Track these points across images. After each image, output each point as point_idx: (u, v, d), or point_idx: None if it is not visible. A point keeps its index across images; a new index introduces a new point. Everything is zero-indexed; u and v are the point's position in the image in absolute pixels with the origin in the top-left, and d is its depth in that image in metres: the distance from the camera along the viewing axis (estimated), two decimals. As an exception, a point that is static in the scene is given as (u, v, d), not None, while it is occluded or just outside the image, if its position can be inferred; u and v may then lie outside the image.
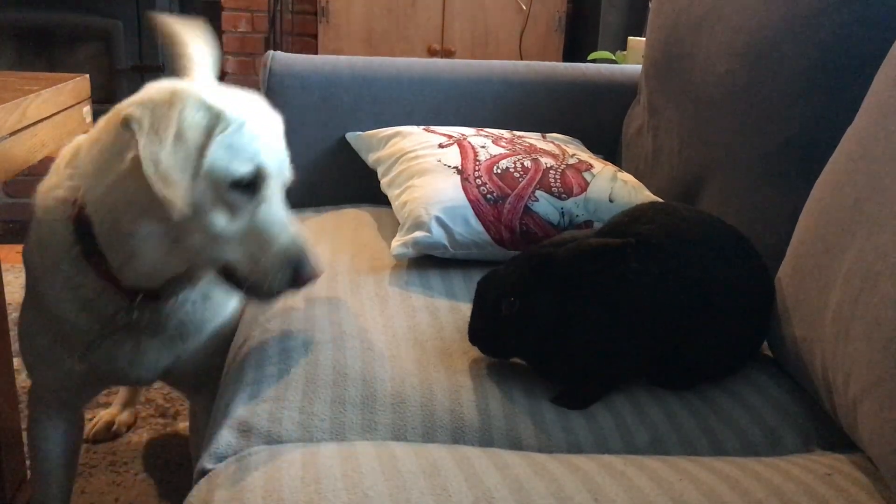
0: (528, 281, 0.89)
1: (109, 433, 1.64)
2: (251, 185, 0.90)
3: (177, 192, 0.84)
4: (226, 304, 1.11)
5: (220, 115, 0.88)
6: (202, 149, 0.87)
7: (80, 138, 1.06)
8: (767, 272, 0.97)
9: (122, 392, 1.71)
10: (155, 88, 0.90)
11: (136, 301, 1.00)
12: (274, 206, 0.92)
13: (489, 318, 0.90)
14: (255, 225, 0.90)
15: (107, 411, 1.68)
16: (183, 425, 1.69)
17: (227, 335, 1.10)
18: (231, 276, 0.93)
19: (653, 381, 0.93)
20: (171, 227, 0.91)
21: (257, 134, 0.91)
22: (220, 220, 0.89)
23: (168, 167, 0.84)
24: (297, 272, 0.91)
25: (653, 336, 0.90)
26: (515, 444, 0.83)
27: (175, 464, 1.57)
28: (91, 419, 1.65)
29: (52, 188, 1.02)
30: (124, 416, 1.68)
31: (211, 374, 1.09)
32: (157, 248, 0.94)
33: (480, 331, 0.92)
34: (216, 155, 0.87)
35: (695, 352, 0.92)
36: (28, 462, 1.22)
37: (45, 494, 1.17)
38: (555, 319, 0.88)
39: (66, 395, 1.14)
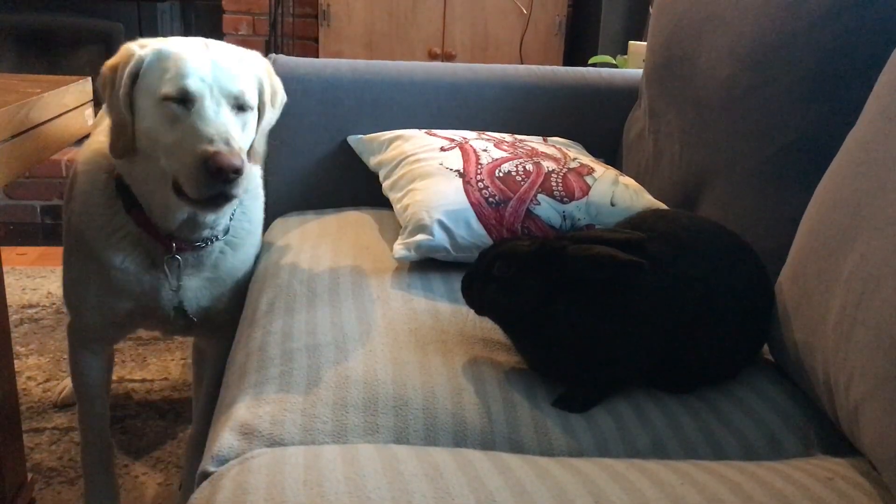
0: (530, 258, 0.90)
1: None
2: (183, 100, 1.03)
3: (120, 135, 1.06)
4: (246, 261, 1.26)
5: (137, 54, 1.07)
6: (128, 86, 1.06)
7: None
8: (767, 276, 0.98)
9: None
10: (119, 51, 1.10)
11: (173, 250, 1.15)
12: (207, 114, 1.02)
13: (481, 272, 0.93)
14: (184, 132, 1.02)
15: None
16: (182, 427, 1.69)
17: (246, 285, 1.25)
18: (180, 192, 1.04)
19: (654, 385, 0.94)
20: (149, 159, 1.07)
21: (187, 58, 1.05)
22: (164, 133, 1.04)
23: (115, 111, 1.07)
24: (211, 161, 0.98)
25: (648, 340, 0.90)
26: (517, 447, 0.83)
27: (175, 466, 1.57)
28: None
29: (91, 143, 1.21)
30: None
31: (232, 323, 1.20)
32: (156, 182, 1.08)
33: (468, 278, 0.94)
34: (151, 80, 1.05)
35: (695, 356, 0.92)
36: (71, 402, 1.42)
37: (90, 413, 1.34)
38: (541, 303, 0.88)
39: (106, 332, 1.29)
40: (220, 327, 1.28)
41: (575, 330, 0.88)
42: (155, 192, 1.11)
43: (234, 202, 1.06)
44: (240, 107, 1.08)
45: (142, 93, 1.07)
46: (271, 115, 1.20)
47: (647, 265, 0.87)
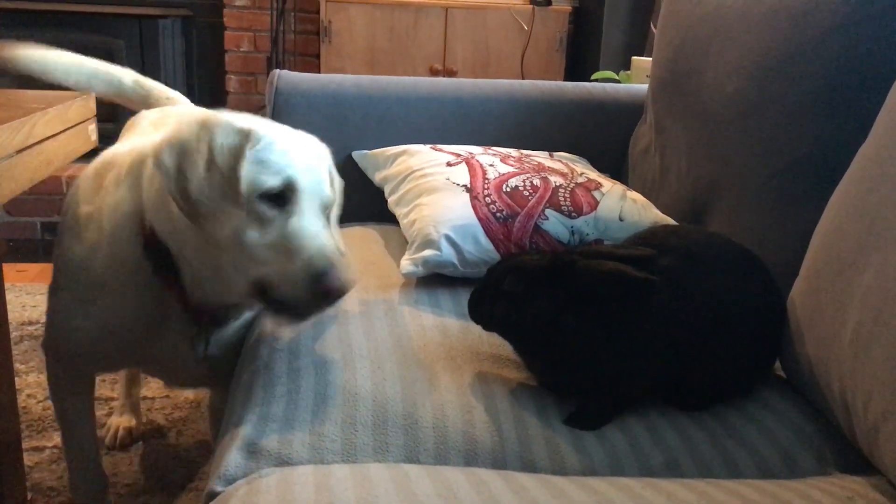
0: (540, 272, 0.89)
1: (132, 438, 1.68)
2: (281, 198, 0.92)
3: (213, 220, 0.91)
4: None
5: (248, 134, 0.93)
6: (235, 169, 0.91)
7: (110, 152, 1.14)
8: (779, 292, 0.97)
9: (121, 399, 1.72)
10: (186, 123, 0.95)
11: (203, 324, 1.06)
12: (305, 220, 0.92)
13: (490, 287, 0.92)
14: (284, 237, 0.91)
15: (120, 418, 1.70)
16: (184, 446, 1.67)
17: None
18: (264, 295, 0.93)
19: (667, 402, 0.92)
20: (221, 249, 0.94)
21: (287, 149, 0.95)
22: (253, 234, 0.91)
23: (199, 199, 0.91)
24: (321, 283, 0.89)
25: (660, 357, 0.89)
26: (529, 466, 0.82)
27: (177, 485, 1.55)
28: (104, 425, 1.68)
29: (118, 202, 1.06)
30: (134, 422, 1.70)
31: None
32: (217, 271, 0.97)
33: (477, 293, 0.93)
34: (247, 170, 0.91)
35: (707, 372, 0.91)
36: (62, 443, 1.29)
37: (81, 447, 1.27)
38: (551, 318, 0.88)
39: (93, 365, 1.21)
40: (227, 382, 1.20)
41: (585, 345, 0.87)
42: (210, 278, 1.00)
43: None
44: (326, 209, 1.00)
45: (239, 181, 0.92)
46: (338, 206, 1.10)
47: (658, 282, 0.86)
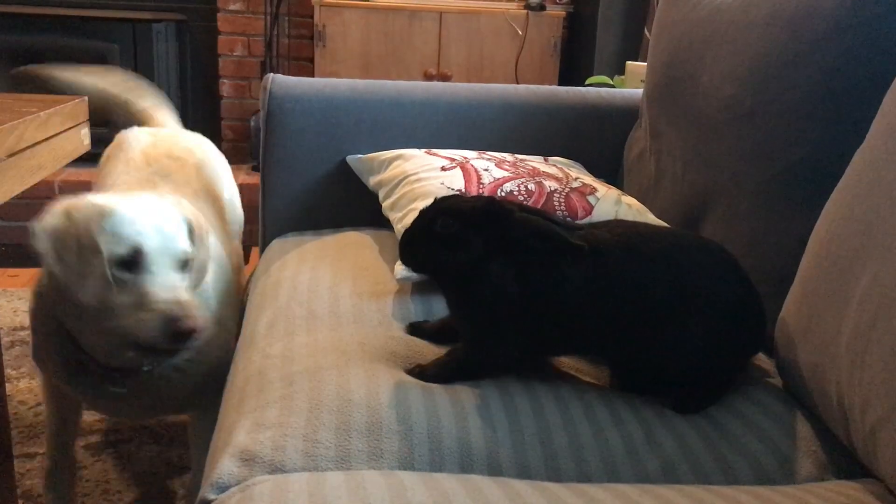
0: (474, 215, 0.90)
1: None
2: (133, 263, 1.05)
3: (84, 286, 1.04)
4: (204, 373, 1.22)
5: (102, 210, 1.07)
6: (96, 241, 1.05)
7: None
8: (748, 284, 0.95)
9: None
10: (57, 212, 1.08)
11: (117, 378, 1.17)
12: (158, 278, 1.06)
13: (422, 229, 0.92)
14: (139, 295, 1.04)
15: None
16: (177, 452, 1.66)
17: (218, 370, 1.19)
18: (136, 345, 1.06)
19: (664, 403, 0.92)
20: (92, 316, 1.08)
21: (134, 218, 1.07)
22: (114, 297, 1.05)
23: (78, 272, 1.05)
24: (172, 327, 1.03)
25: (567, 324, 0.91)
26: (524, 473, 0.81)
27: (170, 492, 1.54)
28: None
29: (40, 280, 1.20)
30: None
31: (208, 399, 1.19)
32: (91, 329, 1.11)
33: (408, 234, 0.93)
34: (102, 242, 1.05)
35: (656, 356, 0.92)
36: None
37: (60, 432, 1.37)
38: (479, 262, 0.88)
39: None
40: (192, 409, 1.32)
41: (502, 294, 0.89)
42: (85, 333, 1.13)
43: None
44: (183, 264, 1.11)
45: (92, 254, 1.06)
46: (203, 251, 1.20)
47: (587, 251, 0.86)
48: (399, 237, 0.95)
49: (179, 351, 1.08)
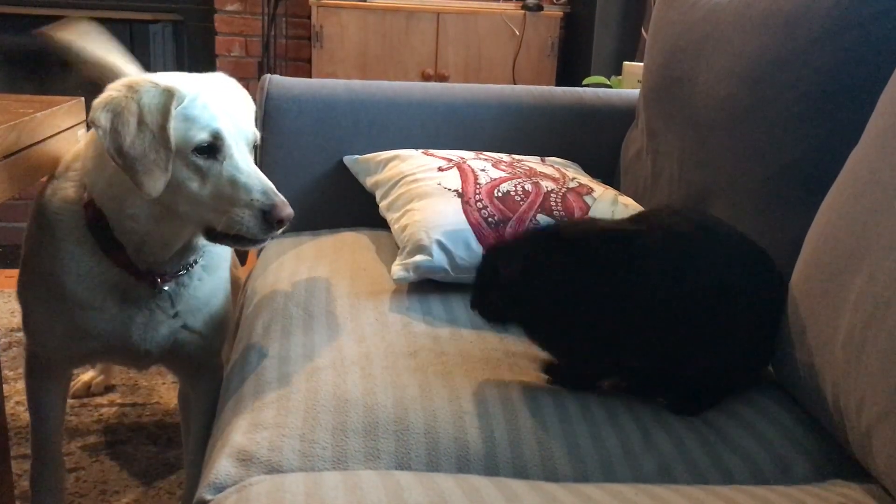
0: (531, 250, 0.90)
1: (87, 392, 1.84)
2: (213, 148, 0.99)
3: (149, 176, 0.97)
4: (220, 285, 1.20)
5: (173, 92, 0.99)
6: (164, 126, 0.97)
7: (80, 145, 1.16)
8: (781, 282, 0.96)
9: None
10: (114, 86, 1.01)
11: (159, 285, 1.09)
12: (238, 164, 1.00)
13: (489, 283, 0.92)
14: (223, 183, 0.99)
15: (86, 373, 1.85)
16: (174, 453, 1.66)
17: (223, 317, 1.20)
18: (215, 235, 1.02)
19: (662, 403, 0.92)
20: (161, 202, 1.01)
21: (209, 102, 1.01)
22: (194, 185, 1.00)
23: (134, 155, 0.97)
24: (267, 216, 0.98)
25: (652, 333, 0.90)
26: (521, 473, 0.81)
27: (166, 492, 1.54)
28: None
29: (58, 189, 1.11)
30: (100, 378, 1.86)
31: (210, 356, 1.20)
32: (159, 222, 1.04)
33: (480, 294, 0.93)
34: (176, 127, 0.98)
35: (699, 360, 0.91)
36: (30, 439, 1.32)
37: (44, 434, 1.29)
38: (555, 290, 0.88)
39: (68, 365, 1.27)
40: (198, 362, 1.22)
41: (585, 311, 0.89)
42: (153, 231, 1.06)
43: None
44: (252, 146, 1.07)
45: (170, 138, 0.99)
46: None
47: (645, 233, 0.87)
48: (470, 304, 0.95)
49: (268, 238, 1.03)
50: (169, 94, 0.99)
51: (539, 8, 3.18)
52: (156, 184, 0.98)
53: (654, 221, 0.93)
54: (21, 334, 2.12)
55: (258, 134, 1.08)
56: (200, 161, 0.99)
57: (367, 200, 1.48)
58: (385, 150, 1.53)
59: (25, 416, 1.76)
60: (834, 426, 0.84)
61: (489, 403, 0.89)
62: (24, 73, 3.17)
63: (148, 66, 3.25)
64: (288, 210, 0.99)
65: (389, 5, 3.10)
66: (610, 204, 1.28)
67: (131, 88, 0.99)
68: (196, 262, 1.13)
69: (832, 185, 0.93)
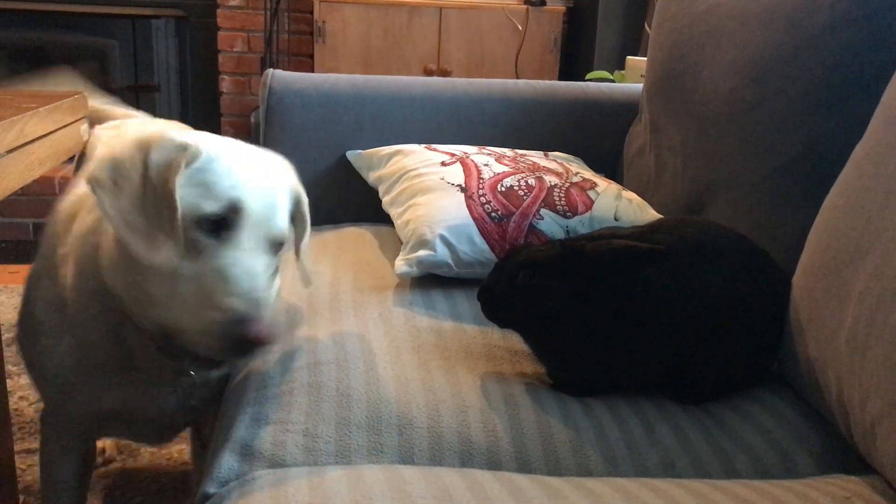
0: (552, 263, 0.90)
1: (102, 457, 1.61)
2: (224, 226, 0.81)
3: (148, 241, 0.79)
4: None
5: (186, 148, 0.82)
6: (169, 186, 0.80)
7: (81, 189, 1.02)
8: (788, 289, 0.96)
9: None
10: (120, 143, 0.85)
11: (182, 365, 0.91)
12: (243, 254, 0.80)
13: (503, 283, 0.91)
14: (211, 269, 0.79)
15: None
16: (177, 448, 1.66)
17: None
18: (171, 342, 0.83)
19: (664, 392, 0.93)
20: (150, 280, 0.83)
21: (231, 167, 0.83)
22: (185, 265, 0.79)
23: (132, 218, 0.80)
24: (236, 331, 0.76)
25: (664, 346, 0.90)
26: (524, 467, 0.81)
27: (170, 488, 1.54)
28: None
29: (85, 235, 0.95)
30: (110, 442, 1.63)
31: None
32: (158, 297, 0.83)
33: (490, 290, 0.92)
34: (186, 192, 0.80)
35: (711, 362, 0.92)
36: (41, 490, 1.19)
37: None
38: (566, 307, 0.88)
39: (87, 428, 1.09)
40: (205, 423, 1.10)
41: (595, 332, 0.89)
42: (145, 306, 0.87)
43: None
44: (277, 246, 0.87)
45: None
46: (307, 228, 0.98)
47: (664, 250, 0.87)
48: (478, 295, 0.94)
49: (231, 361, 0.83)
50: (181, 149, 0.82)
51: (542, 2, 3.17)
52: (156, 250, 0.79)
53: (665, 238, 0.93)
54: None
55: (290, 237, 0.89)
56: (200, 236, 0.79)
57: (370, 195, 1.48)
58: (388, 144, 1.52)
59: (29, 410, 1.76)
60: (837, 420, 0.84)
61: (492, 398, 0.89)
62: (27, 69, 3.18)
63: (150, 62, 3.26)
64: (263, 330, 0.77)
65: (391, 0, 3.09)
66: (613, 199, 1.27)
67: (140, 144, 0.83)
68: None
69: (836, 179, 0.92)
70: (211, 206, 0.80)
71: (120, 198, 0.80)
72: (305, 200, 0.96)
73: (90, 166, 0.84)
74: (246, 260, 0.80)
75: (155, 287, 0.81)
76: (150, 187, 0.80)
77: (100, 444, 1.61)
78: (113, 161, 0.82)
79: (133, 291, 0.85)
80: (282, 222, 0.87)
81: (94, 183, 0.81)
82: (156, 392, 0.97)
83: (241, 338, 0.76)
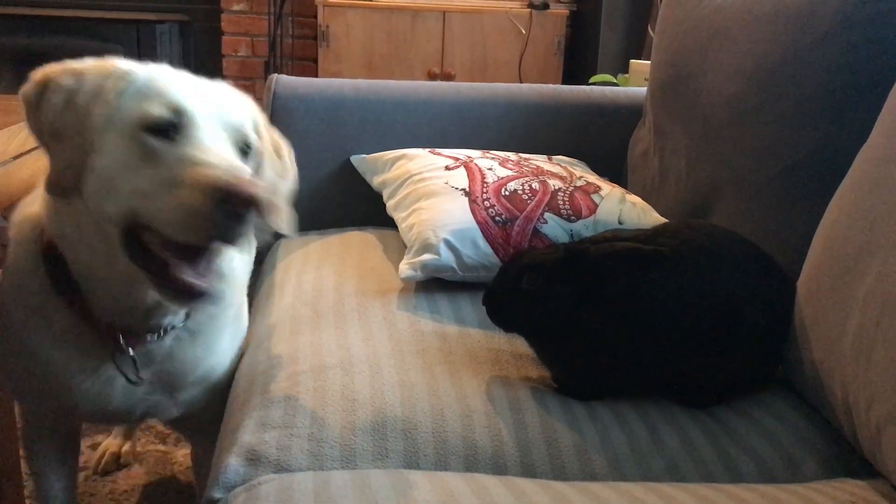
0: (556, 266, 0.90)
1: (118, 464, 1.59)
2: (172, 129, 0.78)
3: (62, 153, 0.78)
4: (218, 342, 0.99)
5: (118, 75, 0.81)
6: (110, 113, 0.79)
7: None
8: (793, 293, 0.96)
9: None
10: (60, 71, 0.84)
11: (122, 345, 0.88)
12: (204, 143, 0.77)
13: (508, 287, 0.92)
14: (177, 159, 0.76)
15: (110, 441, 1.62)
16: (182, 452, 1.66)
17: (227, 383, 1.02)
18: (145, 251, 0.79)
19: (668, 397, 0.93)
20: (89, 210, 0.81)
21: (175, 79, 0.83)
22: (135, 175, 0.77)
23: (75, 135, 0.79)
24: (223, 193, 0.72)
25: (668, 350, 0.90)
26: (529, 471, 0.81)
27: (175, 491, 1.54)
28: (90, 447, 1.63)
29: (28, 203, 0.94)
30: (128, 446, 1.62)
31: (213, 419, 0.98)
32: (103, 239, 0.81)
33: (495, 294, 0.93)
34: (128, 106, 0.79)
35: (713, 369, 0.92)
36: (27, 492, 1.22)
37: None
38: (570, 310, 0.89)
39: (56, 423, 1.10)
40: (196, 430, 1.08)
41: (600, 335, 0.89)
42: (100, 265, 0.84)
43: (216, 297, 0.80)
44: (242, 148, 0.85)
45: (106, 120, 0.79)
46: (280, 176, 0.96)
47: (669, 253, 0.87)
48: (483, 299, 0.94)
49: (217, 241, 0.76)
50: (113, 77, 0.81)
51: (545, 6, 3.17)
52: (106, 174, 0.78)
53: (669, 241, 0.93)
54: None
55: (253, 136, 0.87)
56: (153, 141, 0.77)
57: (374, 199, 1.48)
58: (392, 149, 1.53)
59: (35, 415, 1.76)
60: (843, 424, 0.84)
61: (497, 402, 0.89)
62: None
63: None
64: (255, 187, 0.73)
65: (395, 4, 3.10)
66: (618, 202, 1.27)
67: (75, 73, 0.82)
68: (173, 327, 0.92)
69: (841, 183, 0.92)
70: (155, 109, 0.78)
71: (41, 116, 0.80)
72: (270, 139, 0.95)
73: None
74: (210, 145, 0.78)
75: (124, 183, 0.77)
76: (93, 112, 0.79)
77: (115, 447, 1.61)
78: (44, 76, 0.82)
79: (84, 218, 0.82)
80: (240, 119, 0.85)
81: (22, 97, 0.82)
82: (93, 370, 0.92)
83: (232, 197, 0.71)
